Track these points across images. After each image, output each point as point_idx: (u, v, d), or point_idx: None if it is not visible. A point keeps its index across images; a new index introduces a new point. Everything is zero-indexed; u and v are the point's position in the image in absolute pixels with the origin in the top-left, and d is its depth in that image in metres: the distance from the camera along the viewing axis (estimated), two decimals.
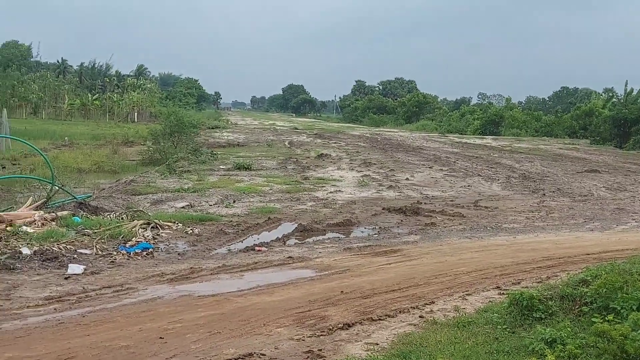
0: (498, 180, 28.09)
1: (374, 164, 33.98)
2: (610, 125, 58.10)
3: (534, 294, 8.26)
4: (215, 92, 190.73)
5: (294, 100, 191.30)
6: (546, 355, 6.47)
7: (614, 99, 71.31)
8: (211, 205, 18.49)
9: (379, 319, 8.59)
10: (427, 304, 9.34)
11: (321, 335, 7.90)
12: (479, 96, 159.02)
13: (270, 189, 22.43)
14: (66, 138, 40.69)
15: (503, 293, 9.83)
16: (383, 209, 18.78)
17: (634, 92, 62.82)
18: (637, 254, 10.95)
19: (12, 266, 10.68)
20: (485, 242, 14.68)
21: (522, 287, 9.99)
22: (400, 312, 8.94)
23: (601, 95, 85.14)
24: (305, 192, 22.05)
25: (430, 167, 32.92)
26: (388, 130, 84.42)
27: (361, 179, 26.58)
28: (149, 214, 15.92)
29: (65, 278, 10.31)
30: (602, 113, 64.10)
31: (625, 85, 64.23)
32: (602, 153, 47.21)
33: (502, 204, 20.77)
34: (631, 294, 7.56)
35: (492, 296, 9.88)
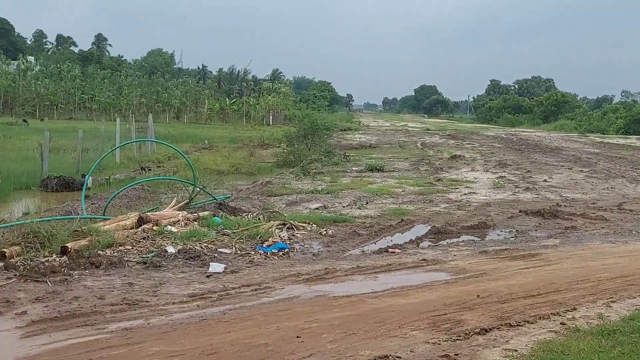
0: None
1: (510, 165, 33.18)
2: None
3: None
4: (348, 94, 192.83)
5: (426, 101, 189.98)
6: None
7: None
8: (344, 207, 18.64)
9: (518, 325, 8.36)
10: (568, 311, 9.00)
11: (457, 339, 7.78)
12: (622, 94, 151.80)
13: (403, 191, 22.36)
14: (206, 141, 42.32)
15: None
16: (520, 212, 18.28)
17: None
18: None
19: (158, 264, 11.19)
20: (631, 247, 13.97)
21: None
22: (539, 318, 8.67)
23: None
24: (439, 194, 21.82)
25: (569, 169, 31.77)
26: (524, 130, 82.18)
27: (496, 181, 26.00)
28: (285, 214, 16.25)
29: (207, 276, 10.67)
30: None
31: None
32: None
33: None
34: None
35: (639, 304, 9.41)
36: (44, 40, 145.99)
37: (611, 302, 9.52)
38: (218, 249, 12.42)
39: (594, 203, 20.51)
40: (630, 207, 19.68)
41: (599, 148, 47.43)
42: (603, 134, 72.73)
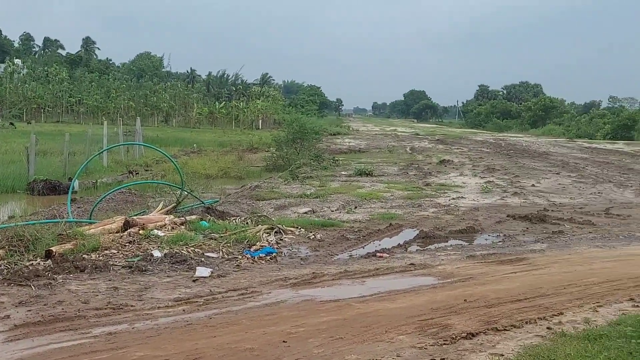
0: (631, 187, 26.80)
1: (498, 170, 33.27)
2: None
3: None
4: (337, 99, 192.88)
5: (416, 106, 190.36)
6: None
7: None
8: (333, 211, 18.62)
9: (504, 329, 8.34)
10: (555, 315, 8.99)
11: (444, 344, 7.76)
12: (610, 99, 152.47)
13: (392, 195, 22.36)
14: (194, 145, 42.25)
15: (638, 305, 9.40)
16: (508, 216, 18.30)
17: None
18: None
19: (144, 268, 11.12)
20: (617, 251, 14.00)
21: None
22: (526, 322, 8.65)
23: None
24: (427, 199, 21.84)
25: (557, 174, 31.89)
26: (512, 135, 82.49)
27: (484, 185, 26.05)
28: (273, 219, 16.22)
29: (193, 280, 10.62)
30: None
31: None
32: None
33: (635, 212, 19.77)
34: None
35: (626, 308, 9.39)
36: (32, 43, 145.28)
37: (598, 306, 9.52)
38: (205, 253, 12.37)
39: (581, 208, 20.58)
40: (617, 212, 19.74)
41: (586, 153, 47.62)
42: (591, 139, 73.05)
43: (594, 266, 12.34)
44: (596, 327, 8.39)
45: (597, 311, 9.28)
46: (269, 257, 12.51)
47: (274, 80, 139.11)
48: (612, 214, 19.28)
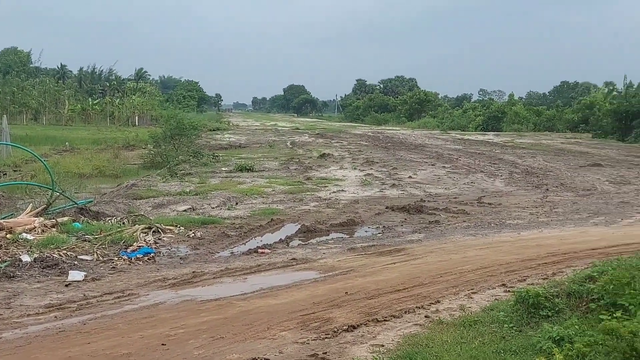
0: (501, 176, 27.98)
1: (377, 162, 33.88)
2: (611, 118, 57.97)
3: (540, 292, 8.14)
4: (216, 94, 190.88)
5: (296, 101, 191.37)
6: (554, 354, 6.34)
7: (615, 92, 70.95)
8: (213, 208, 18.40)
9: (384, 320, 8.50)
10: (432, 304, 9.24)
11: (326, 338, 7.80)
12: (480, 92, 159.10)
13: (273, 190, 22.34)
14: (67, 143, 40.64)
15: (509, 291, 9.76)
16: (386, 208, 18.67)
17: (634, 86, 62.60)
18: None
19: (12, 274, 10.59)
20: (489, 239, 14.57)
21: (528, 284, 9.89)
22: (405, 312, 8.84)
23: (602, 88, 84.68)
24: (308, 193, 21.96)
25: (432, 165, 32.83)
26: (390, 128, 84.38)
27: (364, 178, 26.47)
28: (151, 218, 15.85)
29: (66, 285, 10.22)
30: (604, 106, 63.94)
31: (625, 79, 64.27)
32: (605, 147, 47.10)
33: (505, 200, 20.67)
34: (639, 289, 7.44)
35: (498, 294, 9.78)
36: None
37: (472, 293, 9.85)
38: (78, 256, 11.92)
39: (455, 197, 21.28)
40: (488, 200, 20.56)
41: (459, 144, 49.28)
42: (463, 130, 75.62)
43: (468, 254, 12.76)
44: (471, 313, 8.69)
45: (471, 298, 9.61)
46: (146, 257, 12.21)
47: (150, 75, 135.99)
48: (484, 203, 20.04)
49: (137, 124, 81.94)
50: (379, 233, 15.46)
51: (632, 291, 7.47)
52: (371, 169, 30.65)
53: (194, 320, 8.50)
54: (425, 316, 8.67)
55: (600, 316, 7.06)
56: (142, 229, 14.09)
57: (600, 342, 6.49)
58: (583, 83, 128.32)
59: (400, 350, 7.27)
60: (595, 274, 8.43)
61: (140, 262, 11.92)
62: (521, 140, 54.02)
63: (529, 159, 36.63)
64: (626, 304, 7.32)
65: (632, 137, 51.96)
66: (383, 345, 7.53)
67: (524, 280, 10.56)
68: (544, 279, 10.46)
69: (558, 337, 6.87)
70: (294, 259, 12.39)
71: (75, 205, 16.33)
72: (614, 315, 6.87)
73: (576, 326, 7.08)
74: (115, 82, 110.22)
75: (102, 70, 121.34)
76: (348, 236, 15.16)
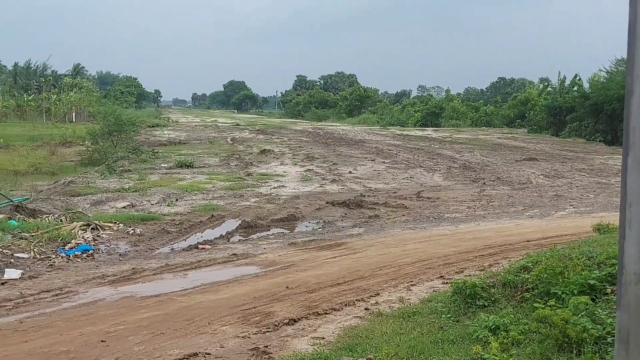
0: (439, 171, 28.37)
1: (317, 158, 33.95)
2: (546, 114, 59.24)
3: (477, 282, 8.31)
4: (155, 90, 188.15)
5: (236, 97, 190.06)
6: (490, 342, 6.50)
7: (549, 88, 72.51)
8: (153, 205, 18.20)
9: (325, 313, 8.56)
10: (372, 296, 9.35)
11: (267, 331, 7.83)
12: (419, 89, 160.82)
13: (213, 186, 22.21)
14: (1, 140, 39.58)
15: (446, 282, 9.90)
16: (327, 203, 18.77)
17: (567, 82, 64.15)
18: (575, 239, 11.14)
19: None
20: (428, 232, 14.78)
21: (465, 275, 10.08)
22: (345, 305, 8.92)
23: (537, 85, 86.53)
24: (249, 189, 21.90)
25: (372, 160, 33.03)
26: (330, 124, 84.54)
27: (304, 174, 26.53)
28: (89, 215, 15.61)
29: (2, 283, 10.01)
30: (538, 102, 65.34)
31: (559, 75, 65.42)
32: (539, 141, 48.11)
33: (443, 195, 20.98)
34: (571, 278, 7.65)
35: (436, 286, 9.94)
36: None
37: (411, 285, 10.00)
38: (14, 254, 11.67)
39: (395, 192, 21.50)
40: (427, 195, 20.86)
41: (399, 140, 49.66)
42: (402, 126, 76.17)
43: (407, 247, 12.94)
44: (410, 305, 8.81)
45: (410, 290, 9.74)
46: (85, 254, 12.05)
47: (87, 71, 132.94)
48: (422, 197, 20.32)
49: (74, 120, 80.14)
50: (320, 228, 15.55)
51: (564, 280, 7.68)
52: (311, 164, 30.69)
53: (134, 317, 8.42)
54: (365, 308, 8.76)
55: (535, 305, 7.23)
56: (81, 226, 13.87)
57: (534, 330, 6.67)
58: (519, 79, 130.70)
59: (340, 342, 7.34)
60: (529, 264, 8.65)
61: (79, 260, 11.75)
62: (459, 136, 54.79)
63: (467, 154, 37.20)
64: (559, 293, 7.52)
65: (565, 132, 53.19)
66: (324, 338, 7.58)
67: (462, 271, 10.76)
68: (480, 270, 10.67)
69: (494, 326, 7.03)
70: (234, 254, 12.38)
71: (11, 202, 15.97)
72: (547, 303, 7.05)
73: (511, 315, 7.26)
74: (51, 78, 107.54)
75: (37, 66, 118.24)
76: (289, 231, 15.21)
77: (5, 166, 25.08)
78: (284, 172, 27.27)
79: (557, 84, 65.53)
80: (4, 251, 11.77)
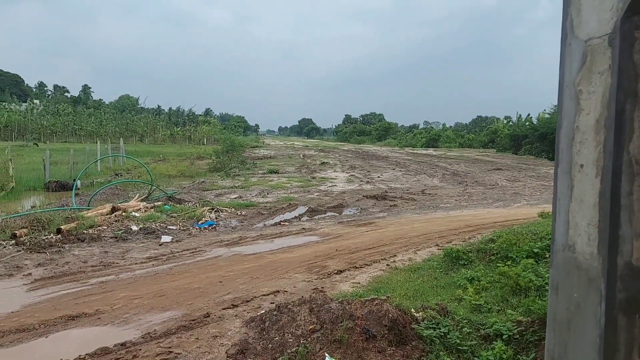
0: (437, 176, 27.89)
1: (357, 167, 33.78)
2: (508, 139, 57.65)
3: (460, 249, 8.20)
4: (255, 124, 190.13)
5: (306, 128, 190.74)
6: (467, 288, 6.41)
7: (510, 123, 70.55)
8: (253, 196, 18.39)
9: (360, 267, 8.54)
10: (391, 257, 9.27)
11: (323, 278, 7.86)
12: (424, 122, 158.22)
13: (290, 185, 22.32)
14: (161, 155, 40.63)
15: (440, 248, 9.77)
16: (363, 196, 18.65)
17: (523, 118, 62.51)
18: (526, 222, 10.84)
19: (125, 238, 10.67)
20: (428, 216, 14.57)
21: (453, 244, 9.90)
22: (374, 262, 8.88)
23: (502, 120, 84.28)
24: (313, 187, 21.93)
25: (393, 169, 32.68)
26: (366, 146, 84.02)
27: (349, 177, 26.42)
28: (213, 202, 15.88)
29: (160, 245, 10.28)
30: (503, 132, 63.60)
31: (517, 114, 64.21)
32: (504, 158, 46.78)
33: (439, 192, 20.62)
34: (522, 247, 7.50)
35: (433, 251, 9.80)
36: (45, 88, 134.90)
37: (417, 250, 9.88)
38: (167, 227, 11.97)
39: (407, 190, 21.21)
40: (429, 192, 20.53)
41: (410, 156, 49.01)
42: (413, 147, 75.34)
43: (415, 225, 12.77)
44: (415, 263, 8.71)
45: (416, 253, 9.63)
46: (210, 227, 12.25)
47: (213, 112, 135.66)
48: (426, 193, 20.01)
49: (205, 143, 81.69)
50: (358, 212, 15.47)
51: (517, 248, 7.53)
52: (353, 171, 30.55)
53: (240, 267, 8.55)
54: (387, 265, 8.70)
55: (497, 264, 7.11)
56: (208, 209, 14.13)
57: (497, 280, 6.54)
58: (491, 116, 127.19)
59: (370, 286, 7.32)
60: (495, 237, 8.49)
61: (207, 231, 11.97)
62: (451, 154, 53.73)
63: (455, 165, 36.46)
64: (514, 256, 7.38)
65: (522, 151, 51.64)
66: (359, 283, 7.57)
67: (450, 242, 10.57)
68: (463, 241, 10.47)
69: (470, 277, 6.92)
70: (303, 228, 12.42)
71: (166, 194, 16.39)
72: (506, 263, 6.91)
73: (482, 270, 7.13)
74: (192, 117, 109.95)
75: (183, 110, 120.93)
76: (338, 214, 15.16)
77: (163, 171, 25.74)
78: (336, 177, 27.22)
79: (516, 119, 63.90)
80: (161, 225, 12.10)
